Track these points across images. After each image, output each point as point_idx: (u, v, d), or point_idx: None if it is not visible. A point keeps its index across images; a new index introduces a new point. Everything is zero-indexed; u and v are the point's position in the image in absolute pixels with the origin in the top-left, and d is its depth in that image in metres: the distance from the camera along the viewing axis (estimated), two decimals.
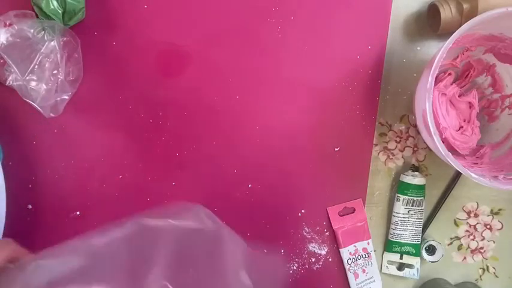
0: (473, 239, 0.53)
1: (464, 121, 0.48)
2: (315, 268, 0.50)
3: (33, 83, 0.42)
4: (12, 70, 0.41)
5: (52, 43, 0.42)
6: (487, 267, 0.53)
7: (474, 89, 0.49)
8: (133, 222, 0.31)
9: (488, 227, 0.52)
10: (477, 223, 0.52)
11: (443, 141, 0.46)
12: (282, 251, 0.49)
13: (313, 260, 0.50)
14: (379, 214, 0.52)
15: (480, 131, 0.49)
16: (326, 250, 0.50)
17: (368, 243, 0.51)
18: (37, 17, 0.43)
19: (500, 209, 0.52)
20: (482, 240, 0.53)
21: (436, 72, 0.39)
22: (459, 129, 0.48)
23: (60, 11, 0.43)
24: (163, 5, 0.47)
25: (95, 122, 0.47)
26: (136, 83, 0.47)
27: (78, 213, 0.46)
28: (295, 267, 0.49)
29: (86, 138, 0.46)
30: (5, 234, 0.40)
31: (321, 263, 0.50)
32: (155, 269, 0.29)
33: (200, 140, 0.48)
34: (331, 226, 0.50)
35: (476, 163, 0.47)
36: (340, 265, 0.50)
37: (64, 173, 0.46)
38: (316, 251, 0.50)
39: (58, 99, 0.44)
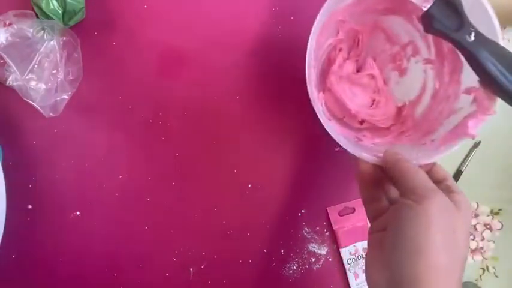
0: (473, 239, 0.53)
1: (374, 92, 0.46)
2: (315, 268, 0.50)
3: (32, 83, 0.42)
4: (12, 70, 0.41)
5: (52, 43, 0.42)
6: (487, 267, 0.53)
7: (369, 58, 0.46)
8: None
9: (488, 227, 0.52)
10: (477, 223, 0.52)
11: (361, 123, 0.44)
12: (282, 251, 0.49)
13: (313, 260, 0.50)
14: None
15: (396, 91, 0.46)
16: (326, 250, 0.50)
17: None
18: (37, 16, 0.43)
19: (500, 209, 0.52)
20: (482, 240, 0.53)
21: (313, 66, 0.36)
22: (372, 104, 0.45)
23: (60, 11, 0.43)
24: (163, 5, 0.47)
25: (94, 122, 0.47)
26: (136, 83, 0.47)
27: (78, 213, 0.46)
28: (295, 267, 0.49)
29: (85, 138, 0.46)
30: (5, 234, 0.40)
31: (321, 263, 0.50)
32: None
33: (200, 140, 0.48)
34: (331, 226, 0.49)
35: (403, 131, 0.44)
36: (340, 265, 0.50)
37: (64, 173, 0.46)
38: (316, 251, 0.50)
39: (58, 99, 0.44)
